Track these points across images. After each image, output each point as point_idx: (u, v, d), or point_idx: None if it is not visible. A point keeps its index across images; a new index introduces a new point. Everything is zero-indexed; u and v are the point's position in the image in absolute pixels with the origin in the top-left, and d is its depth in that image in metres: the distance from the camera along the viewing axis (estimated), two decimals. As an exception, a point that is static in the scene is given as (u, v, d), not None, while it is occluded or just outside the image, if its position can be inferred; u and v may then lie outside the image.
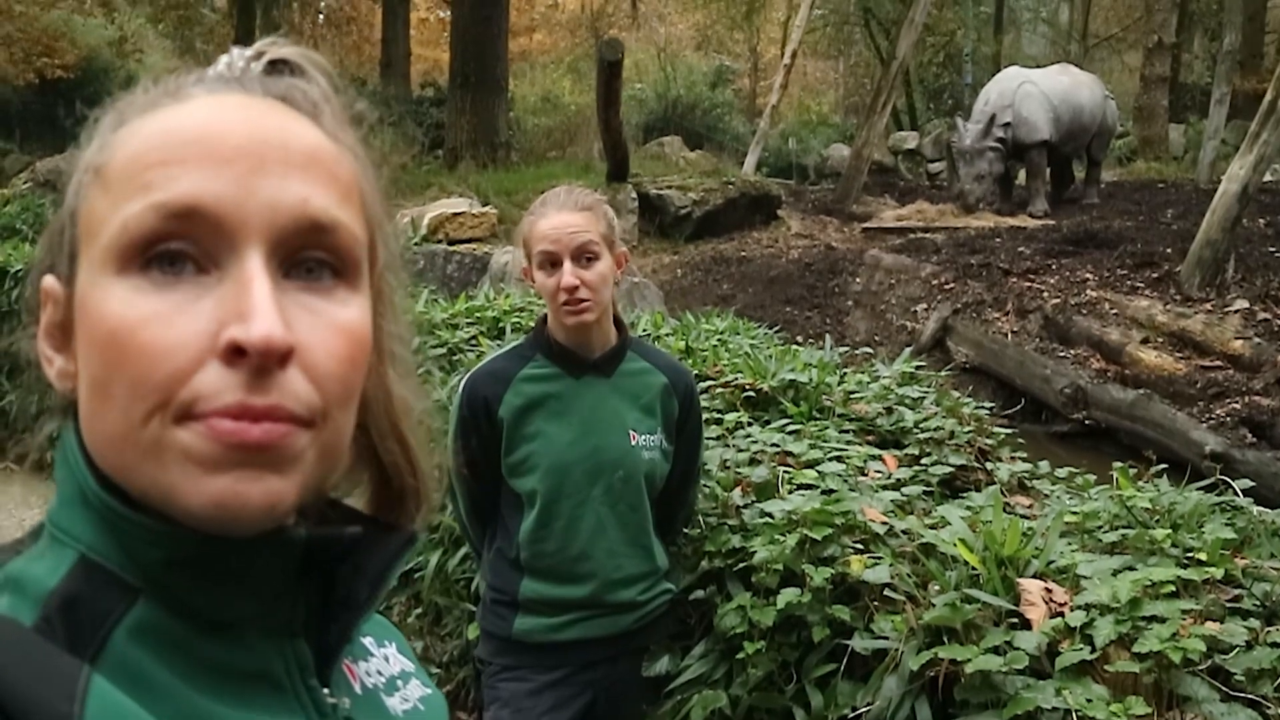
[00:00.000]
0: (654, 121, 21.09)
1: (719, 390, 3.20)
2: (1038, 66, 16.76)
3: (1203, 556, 1.86)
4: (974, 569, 1.87)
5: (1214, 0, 21.40)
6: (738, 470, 2.55)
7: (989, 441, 3.09)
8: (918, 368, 3.72)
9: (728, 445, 2.75)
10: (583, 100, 19.81)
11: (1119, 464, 2.59)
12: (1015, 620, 1.75)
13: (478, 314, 4.36)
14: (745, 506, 2.35)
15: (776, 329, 5.40)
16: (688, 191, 13.44)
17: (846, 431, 2.93)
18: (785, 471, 2.51)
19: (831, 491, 2.32)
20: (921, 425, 2.99)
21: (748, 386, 3.20)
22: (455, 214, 10.88)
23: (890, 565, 1.97)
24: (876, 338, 9.73)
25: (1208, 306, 8.87)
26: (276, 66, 0.66)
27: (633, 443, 2.14)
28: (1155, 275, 9.67)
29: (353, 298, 0.62)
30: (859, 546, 2.11)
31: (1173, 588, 1.72)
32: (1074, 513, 2.22)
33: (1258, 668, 1.53)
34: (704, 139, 20.75)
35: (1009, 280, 10.07)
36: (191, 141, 0.58)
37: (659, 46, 25.38)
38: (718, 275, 11.83)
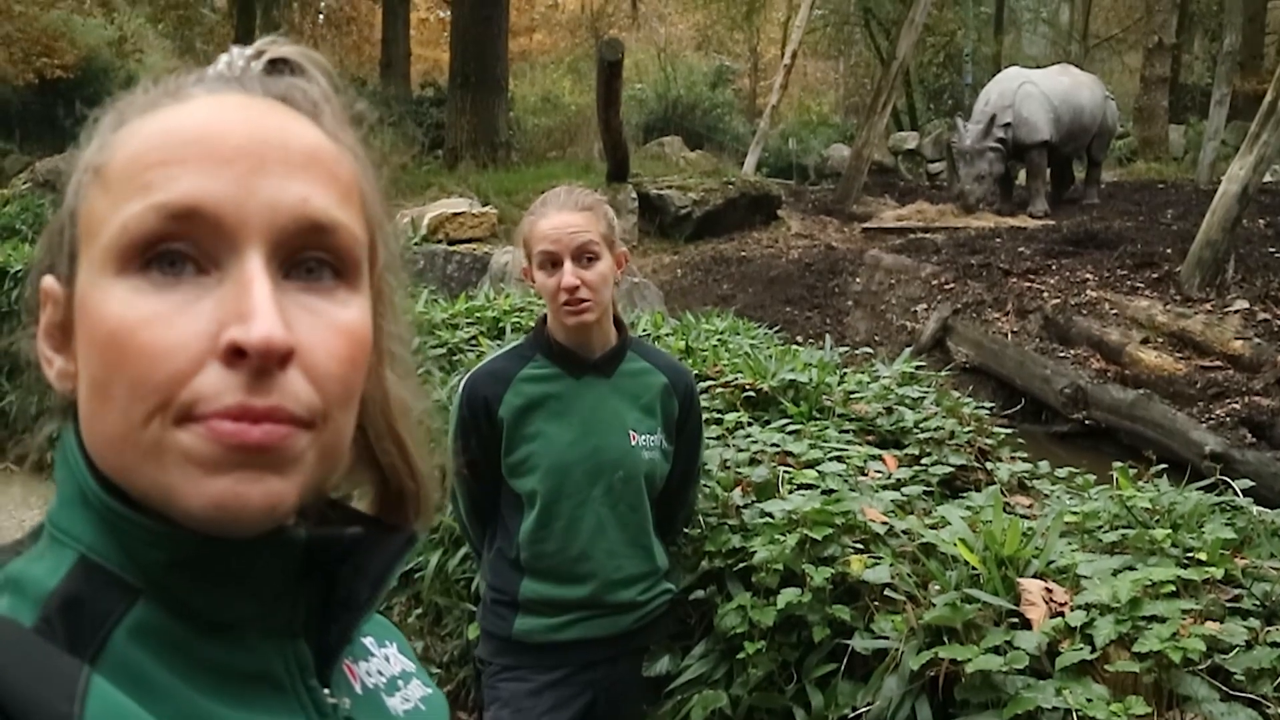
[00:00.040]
0: (654, 121, 21.09)
1: (719, 390, 3.20)
2: (1038, 67, 16.76)
3: (1203, 556, 1.87)
4: (974, 569, 1.87)
5: (1214, 1, 21.40)
6: (738, 470, 2.55)
7: (989, 441, 3.09)
8: (918, 368, 3.72)
9: (728, 445, 2.75)
10: (583, 100, 19.82)
11: (1119, 464, 2.59)
12: (1015, 620, 1.75)
13: (478, 314, 4.37)
14: (745, 506, 2.35)
15: (776, 329, 5.40)
16: (688, 191, 13.45)
17: (846, 431, 2.93)
18: (785, 471, 2.51)
19: (832, 491, 2.32)
20: (922, 425, 2.99)
21: (748, 386, 3.20)
22: (455, 214, 10.88)
23: (890, 565, 1.97)
24: (876, 338, 9.73)
25: (1208, 307, 8.87)
26: (276, 66, 0.66)
27: (633, 443, 2.14)
28: (1155, 275, 9.67)
29: (353, 298, 0.62)
30: (859, 546, 2.11)
31: (1173, 588, 1.72)
32: (1074, 513, 2.22)
33: (1258, 667, 1.53)
34: (704, 139, 20.76)
35: (1009, 280, 10.08)
36: (191, 142, 0.58)
37: (659, 46, 25.39)
38: (718, 275, 11.83)
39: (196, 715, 0.56)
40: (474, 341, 4.01)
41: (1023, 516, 2.25)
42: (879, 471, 2.60)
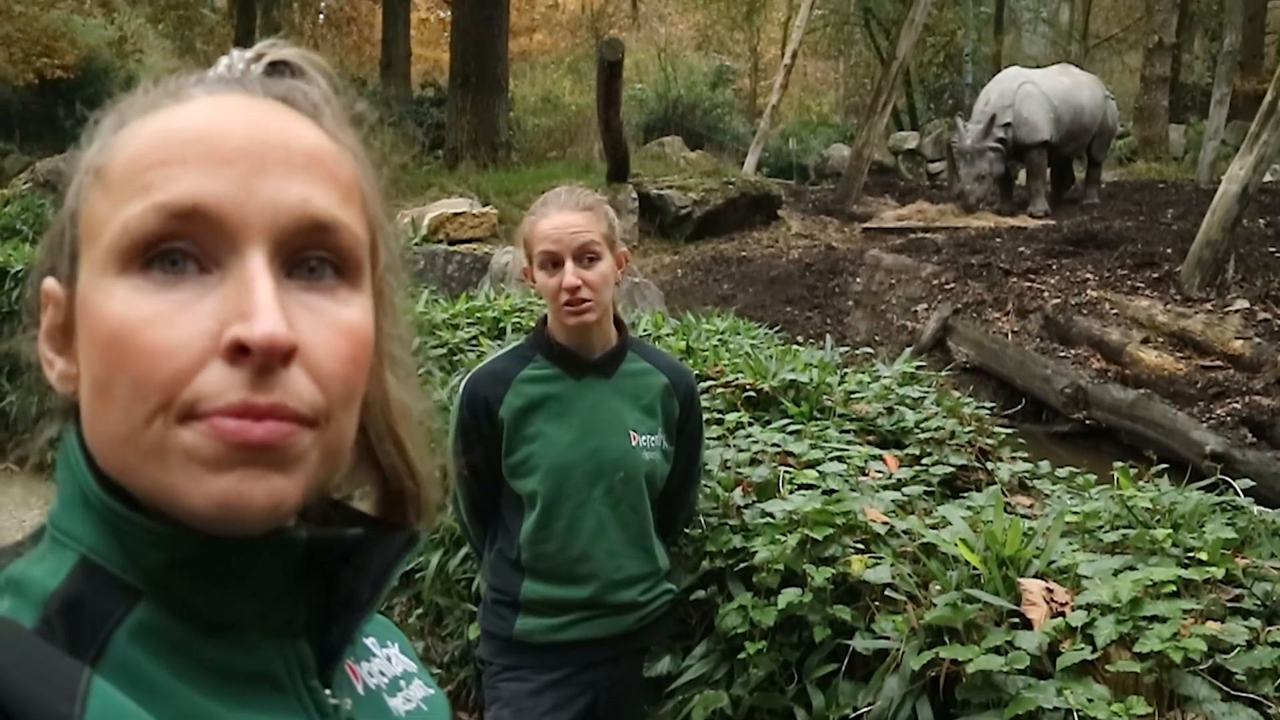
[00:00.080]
0: (654, 122, 21.10)
1: (719, 390, 3.20)
2: (1038, 67, 16.76)
3: (1203, 556, 1.86)
4: (975, 569, 1.87)
5: (1214, 1, 21.39)
6: (738, 470, 2.55)
7: (990, 441, 3.09)
8: (918, 368, 3.72)
9: (728, 445, 2.75)
10: (583, 100, 19.82)
11: (1119, 464, 2.59)
12: (1016, 620, 1.75)
13: (478, 314, 4.37)
14: (746, 507, 2.35)
15: (777, 329, 5.40)
16: (688, 191, 13.45)
17: (847, 431, 2.93)
18: (786, 471, 2.51)
19: (832, 491, 2.32)
20: (922, 425, 2.99)
21: (748, 386, 3.20)
22: (455, 214, 10.88)
23: (891, 565, 1.97)
24: (877, 338, 9.73)
25: (1208, 306, 8.87)
26: (277, 68, 0.66)
27: (633, 443, 2.13)
28: (1155, 275, 9.67)
29: (354, 297, 0.62)
30: (860, 546, 2.11)
31: (1174, 587, 1.72)
32: (1075, 513, 2.22)
33: (1259, 667, 1.53)
34: (704, 139, 20.76)
35: (1009, 280, 10.08)
36: (192, 142, 0.58)
37: (659, 47, 25.39)
38: (718, 275, 11.83)
39: (197, 716, 0.56)
40: (474, 342, 4.01)
41: (1023, 516, 2.25)
42: (880, 471, 2.60)
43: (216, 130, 0.58)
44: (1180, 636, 1.57)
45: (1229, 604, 1.74)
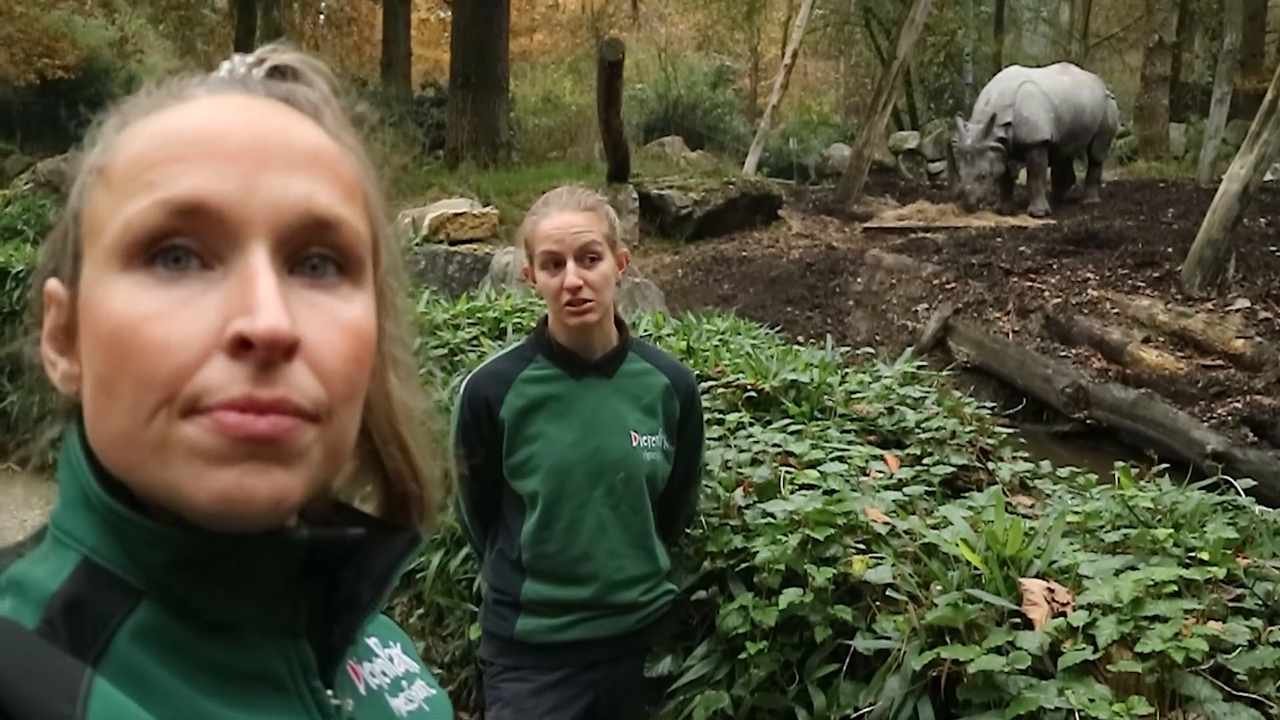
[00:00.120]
0: (655, 122, 21.09)
1: (720, 390, 3.20)
2: (1038, 66, 16.75)
3: (1205, 556, 1.86)
4: (976, 569, 1.87)
5: (1214, 0, 21.38)
6: (739, 470, 2.55)
7: (990, 441, 3.09)
8: (919, 368, 3.72)
9: (729, 445, 2.75)
10: (583, 100, 19.82)
11: (1120, 464, 2.59)
12: (1017, 620, 1.75)
13: (479, 314, 4.37)
14: (747, 507, 2.35)
15: (778, 329, 5.40)
16: (688, 192, 13.44)
17: (848, 431, 2.93)
18: (787, 472, 2.51)
19: (833, 492, 2.32)
20: (923, 425, 2.99)
21: (749, 387, 3.20)
22: (456, 214, 10.88)
23: (892, 565, 1.97)
24: (878, 338, 9.73)
25: (1209, 306, 8.86)
26: (278, 72, 0.66)
27: (634, 444, 2.13)
28: (1156, 275, 9.67)
29: (357, 294, 0.62)
30: (861, 547, 2.11)
31: (1175, 587, 1.72)
32: (1076, 512, 2.22)
33: (1260, 667, 1.53)
34: (705, 139, 20.75)
35: (1010, 280, 10.07)
36: (195, 140, 0.58)
37: (660, 47, 25.38)
38: (719, 275, 11.83)
39: (199, 716, 0.56)
40: (475, 342, 4.01)
41: (1024, 516, 2.25)
42: (881, 471, 2.60)
43: (219, 128, 0.59)
44: (1182, 636, 1.57)
45: (1230, 604, 1.74)
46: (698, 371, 3.25)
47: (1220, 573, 1.81)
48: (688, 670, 2.20)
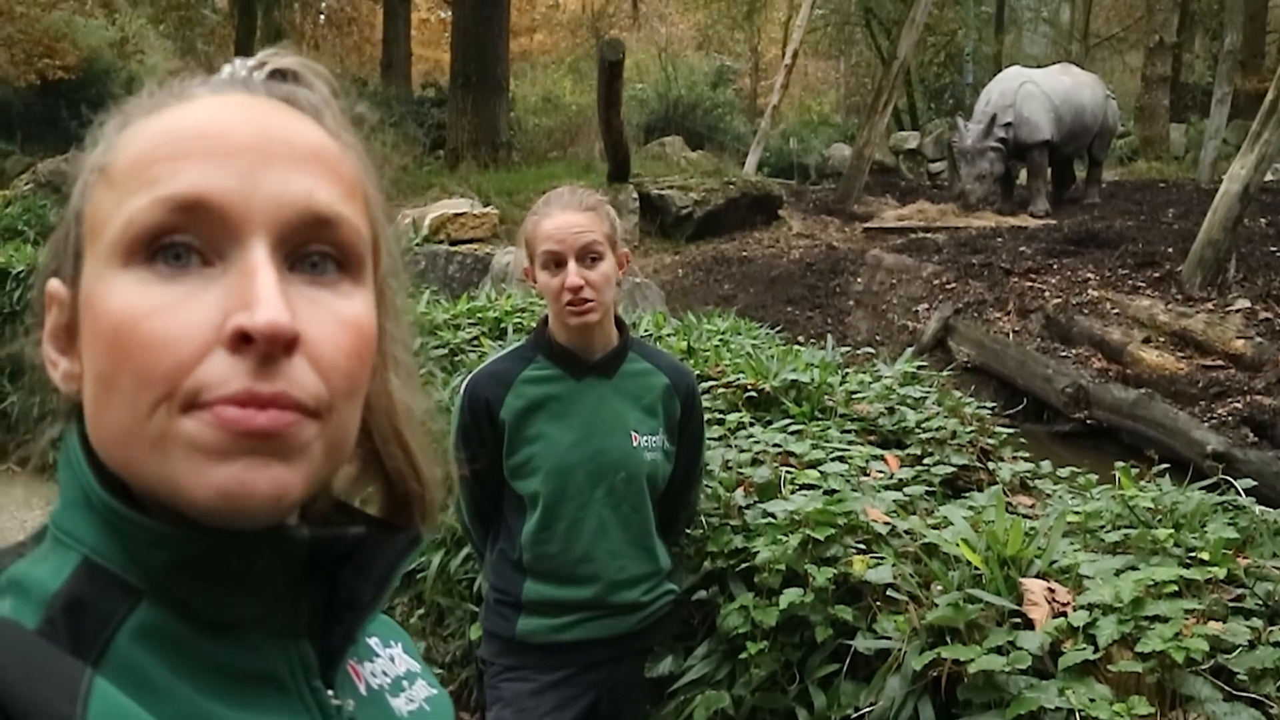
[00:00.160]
0: (655, 122, 21.08)
1: (721, 390, 3.20)
2: (1039, 66, 16.74)
3: (1205, 556, 1.86)
4: (976, 569, 1.87)
5: (1215, 0, 21.38)
6: (740, 470, 2.55)
7: (991, 441, 3.09)
8: (919, 368, 3.72)
9: (730, 445, 2.75)
10: (584, 100, 19.80)
11: (1121, 464, 2.59)
12: (1018, 620, 1.75)
13: (479, 314, 4.37)
14: (747, 507, 2.35)
15: (778, 329, 5.40)
16: (689, 191, 13.43)
17: (848, 431, 2.93)
18: (787, 472, 2.50)
19: (834, 492, 2.32)
20: (923, 425, 2.99)
21: (749, 387, 3.20)
22: (457, 214, 10.88)
23: (893, 565, 1.97)
24: (878, 338, 9.73)
25: (1209, 306, 8.86)
26: (279, 74, 0.66)
27: (635, 444, 2.13)
28: (1157, 275, 9.67)
29: (357, 292, 0.62)
30: (861, 547, 2.11)
31: (1175, 587, 1.72)
32: (1076, 512, 2.22)
33: (1260, 667, 1.53)
34: (705, 139, 20.74)
35: (1010, 280, 10.07)
36: (196, 137, 0.58)
37: (660, 46, 25.35)
38: (719, 275, 11.83)
39: (199, 716, 0.56)
40: (476, 342, 4.01)
41: (1025, 516, 2.25)
42: (881, 471, 2.60)
43: (221, 126, 0.59)
44: (1182, 636, 1.57)
45: (1231, 604, 1.74)
46: (698, 371, 3.25)
47: (1220, 573, 1.81)
48: (688, 670, 2.20)
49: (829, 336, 5.30)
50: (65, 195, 0.64)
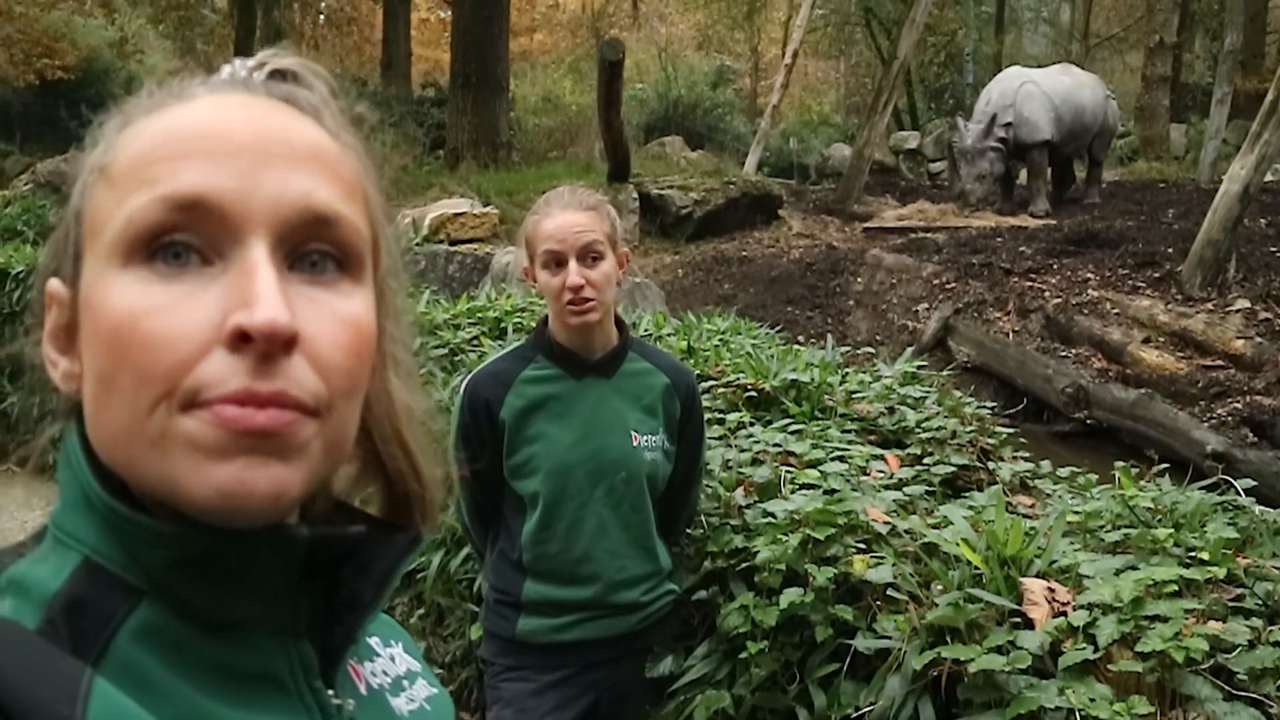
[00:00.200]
0: (655, 121, 21.08)
1: (721, 390, 3.20)
2: (1039, 66, 16.75)
3: (1205, 556, 1.86)
4: (976, 569, 1.87)
5: (1215, 0, 21.38)
6: (740, 470, 2.55)
7: (991, 441, 3.09)
8: (919, 367, 3.72)
9: (730, 445, 2.75)
10: (584, 100, 19.80)
11: (1121, 464, 2.59)
12: (1018, 620, 1.75)
13: (479, 314, 4.37)
14: (748, 506, 2.35)
15: (778, 329, 5.40)
16: (689, 191, 13.43)
17: (848, 431, 2.93)
18: (787, 471, 2.50)
19: (834, 491, 2.32)
20: (923, 425, 2.99)
21: (749, 386, 3.20)
22: (456, 214, 10.87)
23: (893, 565, 1.97)
24: (878, 337, 9.73)
25: (1209, 306, 8.87)
26: (278, 75, 0.66)
27: (635, 444, 2.13)
28: (1157, 275, 9.67)
29: (356, 291, 0.62)
30: (861, 546, 2.11)
31: (1175, 587, 1.72)
32: (1076, 512, 2.22)
33: (1260, 667, 1.53)
34: (705, 139, 20.74)
35: (1010, 280, 10.07)
36: (196, 137, 0.58)
37: (660, 46, 25.35)
38: (719, 275, 11.82)
39: (200, 716, 0.56)
40: (476, 342, 4.01)
41: (1025, 516, 2.25)
42: (881, 471, 2.60)
43: (220, 126, 0.59)
44: (1182, 636, 1.57)
45: (1231, 604, 1.74)
46: (698, 371, 3.25)
47: (1220, 572, 1.81)
48: (689, 670, 2.20)
49: (829, 336, 5.30)
50: (65, 195, 0.64)
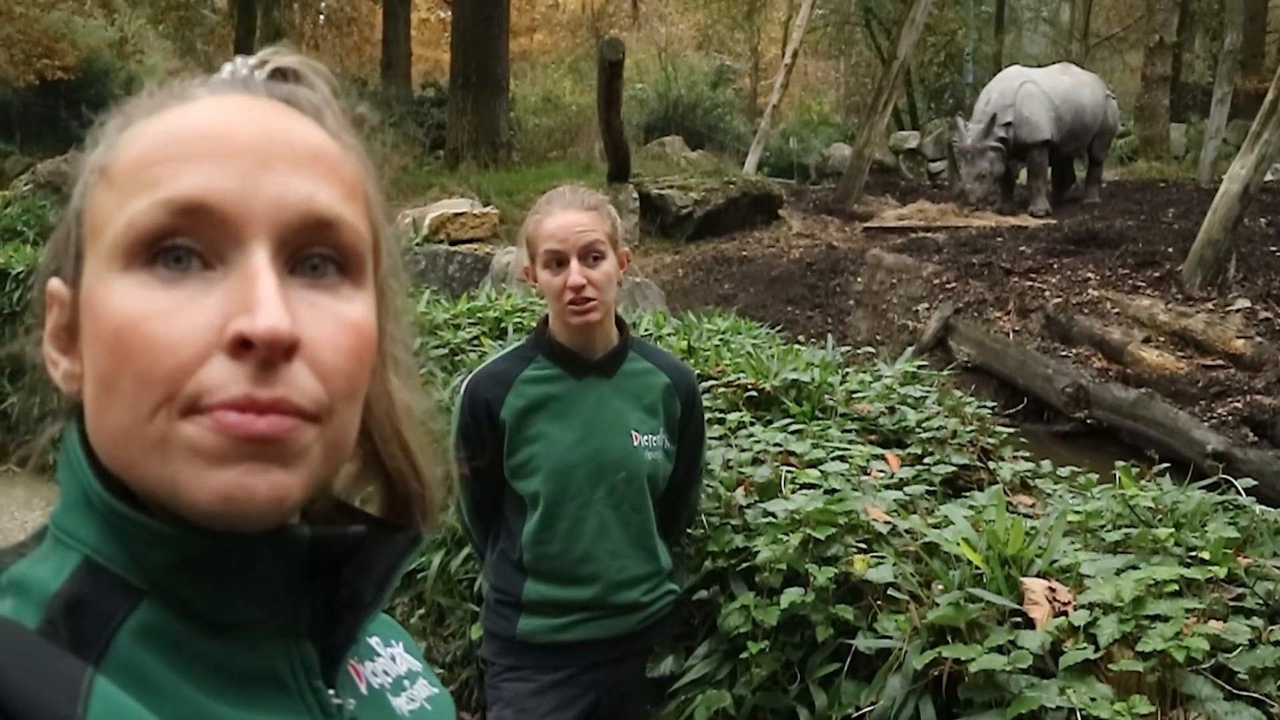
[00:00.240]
0: (655, 121, 21.08)
1: (721, 390, 3.20)
2: (1039, 66, 16.74)
3: (1206, 555, 1.86)
4: (977, 568, 1.87)
5: (1215, 0, 21.38)
6: (740, 470, 2.55)
7: (991, 441, 3.09)
8: (920, 367, 3.72)
9: (730, 445, 2.75)
10: (584, 100, 19.80)
11: (1121, 463, 2.59)
12: (1019, 619, 1.75)
13: (479, 314, 4.37)
14: (748, 506, 2.35)
15: (778, 329, 5.40)
16: (689, 191, 13.43)
17: (849, 431, 2.92)
18: (788, 471, 2.50)
19: (834, 491, 2.32)
20: (924, 425, 2.99)
21: (750, 386, 3.20)
22: (457, 214, 10.87)
23: (893, 565, 1.97)
24: (878, 337, 9.73)
25: (1209, 306, 8.87)
26: (279, 74, 0.66)
27: (635, 443, 2.13)
28: (1157, 274, 9.67)
29: (357, 294, 0.62)
30: (862, 546, 2.11)
31: (1176, 587, 1.72)
32: (1077, 512, 2.22)
33: (1261, 666, 1.53)
34: (705, 139, 20.74)
35: (1010, 279, 10.08)
36: (197, 139, 0.58)
37: (660, 46, 25.35)
38: (719, 275, 11.82)
39: (200, 716, 0.56)
40: (476, 342, 4.01)
41: (1025, 516, 2.25)
42: (881, 471, 2.60)
43: (221, 128, 0.59)
44: (1183, 635, 1.57)
45: (1231, 603, 1.74)
46: (698, 371, 3.24)
47: (1221, 572, 1.81)
48: (689, 670, 2.20)
49: (829, 336, 5.30)
50: (66, 195, 0.64)
